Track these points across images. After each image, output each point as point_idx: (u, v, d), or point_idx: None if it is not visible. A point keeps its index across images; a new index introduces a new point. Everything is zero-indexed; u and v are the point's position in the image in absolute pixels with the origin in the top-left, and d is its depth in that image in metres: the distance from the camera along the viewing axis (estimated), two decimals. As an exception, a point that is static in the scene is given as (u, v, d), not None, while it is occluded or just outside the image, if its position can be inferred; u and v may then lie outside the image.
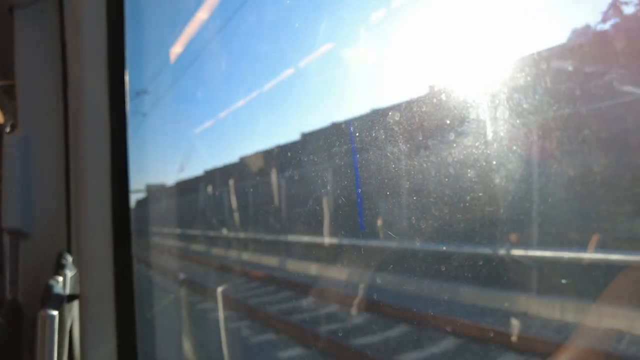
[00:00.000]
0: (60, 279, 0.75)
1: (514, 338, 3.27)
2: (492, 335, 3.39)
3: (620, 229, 3.82)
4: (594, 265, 3.47)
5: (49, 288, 0.70)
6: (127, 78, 0.95)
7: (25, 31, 0.89)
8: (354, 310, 4.47)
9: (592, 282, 3.44)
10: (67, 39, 0.90)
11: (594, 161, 3.54)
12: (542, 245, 4.10)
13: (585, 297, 3.53)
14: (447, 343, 3.50)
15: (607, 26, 2.98)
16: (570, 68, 3.07)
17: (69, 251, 0.89)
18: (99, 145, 0.90)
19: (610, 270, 3.38)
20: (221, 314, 5.66)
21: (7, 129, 0.95)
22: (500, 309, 4.11)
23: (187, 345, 4.19)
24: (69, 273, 0.80)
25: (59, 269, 0.80)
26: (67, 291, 0.76)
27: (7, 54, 0.89)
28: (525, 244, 4.20)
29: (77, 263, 0.87)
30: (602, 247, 3.61)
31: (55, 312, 0.64)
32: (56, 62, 0.91)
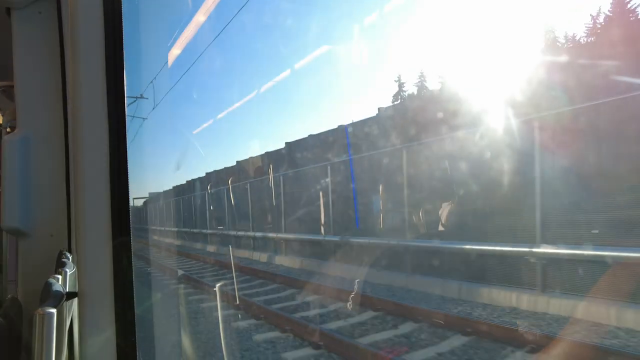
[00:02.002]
0: (60, 277, 0.76)
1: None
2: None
3: None
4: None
5: (47, 286, 0.71)
6: (124, 77, 0.95)
7: (23, 32, 0.90)
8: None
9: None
10: (65, 40, 0.91)
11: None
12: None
13: None
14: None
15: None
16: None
17: (69, 250, 0.90)
18: (98, 144, 0.90)
19: None
20: (219, 310, 5.67)
21: (7, 129, 0.95)
22: None
23: (186, 342, 4.20)
24: (68, 271, 0.80)
25: (59, 267, 0.80)
26: (66, 289, 0.76)
27: (5, 54, 0.90)
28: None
29: (76, 261, 0.88)
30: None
31: (53, 310, 0.64)
32: (54, 63, 0.91)
